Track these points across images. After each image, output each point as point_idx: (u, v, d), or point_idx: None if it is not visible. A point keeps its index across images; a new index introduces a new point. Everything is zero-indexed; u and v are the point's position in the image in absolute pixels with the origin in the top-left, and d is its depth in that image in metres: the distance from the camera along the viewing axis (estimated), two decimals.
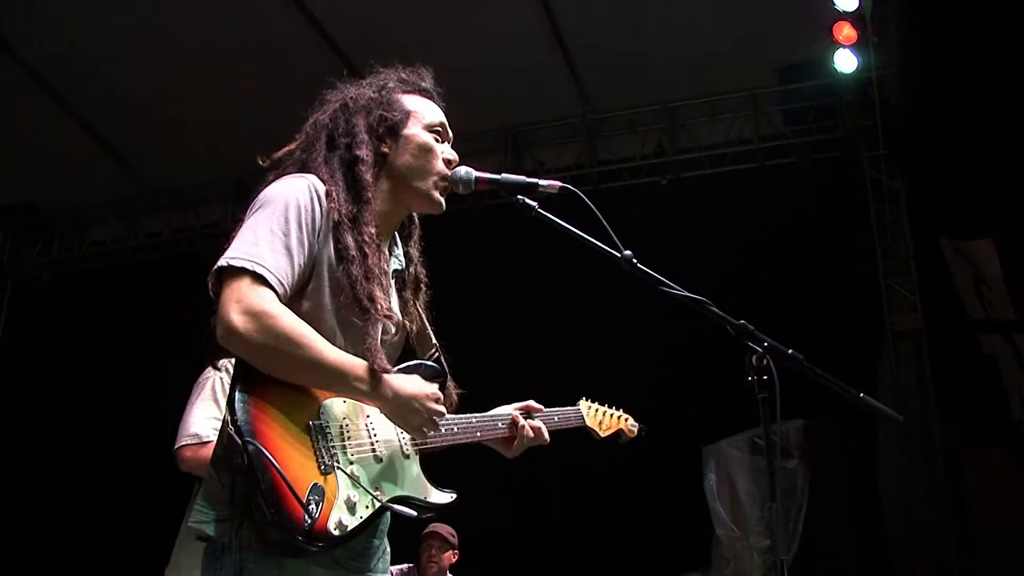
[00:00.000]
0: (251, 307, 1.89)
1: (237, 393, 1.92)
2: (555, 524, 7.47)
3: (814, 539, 6.80)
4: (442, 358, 2.31)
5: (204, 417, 3.33)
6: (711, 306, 2.15)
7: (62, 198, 9.13)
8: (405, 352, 2.33)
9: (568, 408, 2.71)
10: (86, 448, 8.37)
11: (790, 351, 2.10)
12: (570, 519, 7.47)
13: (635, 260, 2.20)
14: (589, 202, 2.23)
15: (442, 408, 2.13)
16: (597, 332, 7.53)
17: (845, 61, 6.85)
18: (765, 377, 2.04)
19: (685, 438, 7.21)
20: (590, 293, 6.62)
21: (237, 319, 1.88)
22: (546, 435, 2.46)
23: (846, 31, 6.71)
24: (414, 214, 2.40)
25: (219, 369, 3.30)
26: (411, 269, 2.35)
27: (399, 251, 2.33)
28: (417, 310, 2.33)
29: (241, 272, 1.93)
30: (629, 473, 7.19)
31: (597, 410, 2.81)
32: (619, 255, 2.19)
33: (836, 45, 6.80)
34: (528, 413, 2.45)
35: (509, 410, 2.44)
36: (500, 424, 2.39)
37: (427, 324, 2.34)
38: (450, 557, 5.77)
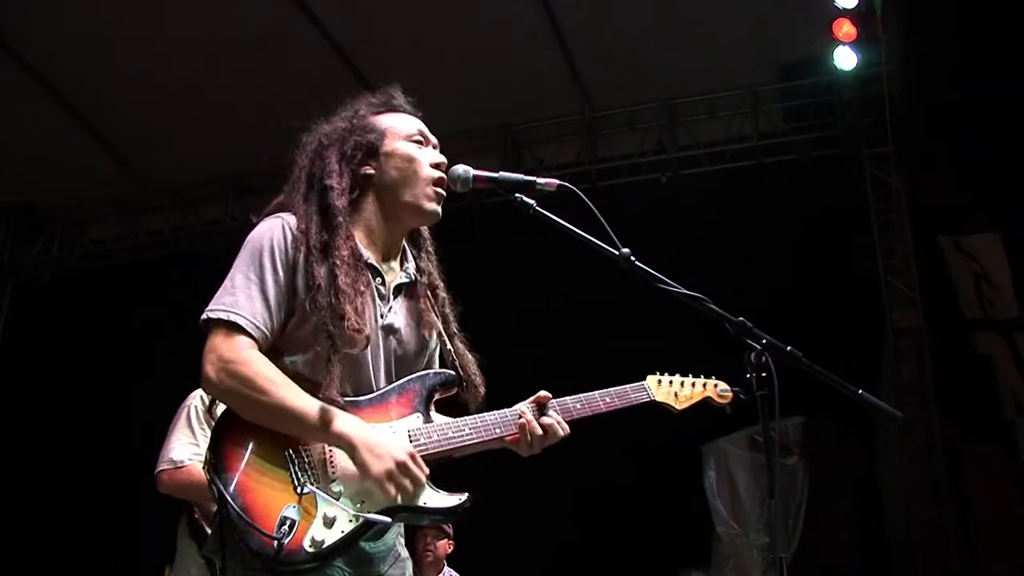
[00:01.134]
0: (222, 356, 2.05)
1: (217, 430, 2.07)
2: (555, 521, 7.47)
3: (814, 536, 6.80)
4: (458, 364, 2.33)
5: (181, 444, 3.57)
6: (709, 303, 2.15)
7: (62, 197, 9.12)
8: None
9: (627, 386, 2.48)
10: (86, 446, 8.37)
11: (789, 348, 2.10)
12: (570, 516, 7.47)
13: (633, 258, 2.20)
14: (587, 200, 2.23)
15: (414, 468, 2.07)
16: (596, 329, 7.53)
17: (845, 58, 6.84)
18: (764, 374, 2.05)
19: (685, 435, 7.22)
20: (588, 290, 6.62)
21: (209, 368, 2.05)
22: (560, 431, 2.27)
23: (846, 28, 6.70)
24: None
25: (203, 398, 3.50)
26: (424, 279, 2.36)
27: (410, 265, 2.35)
28: (433, 319, 2.33)
29: (217, 323, 2.08)
30: (629, 470, 7.20)
31: (671, 382, 2.57)
32: (617, 253, 2.20)
33: (836, 42, 6.79)
34: (541, 407, 2.29)
35: (520, 407, 2.29)
36: (503, 424, 2.25)
37: (444, 332, 2.35)
38: (445, 547, 5.67)
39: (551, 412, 2.29)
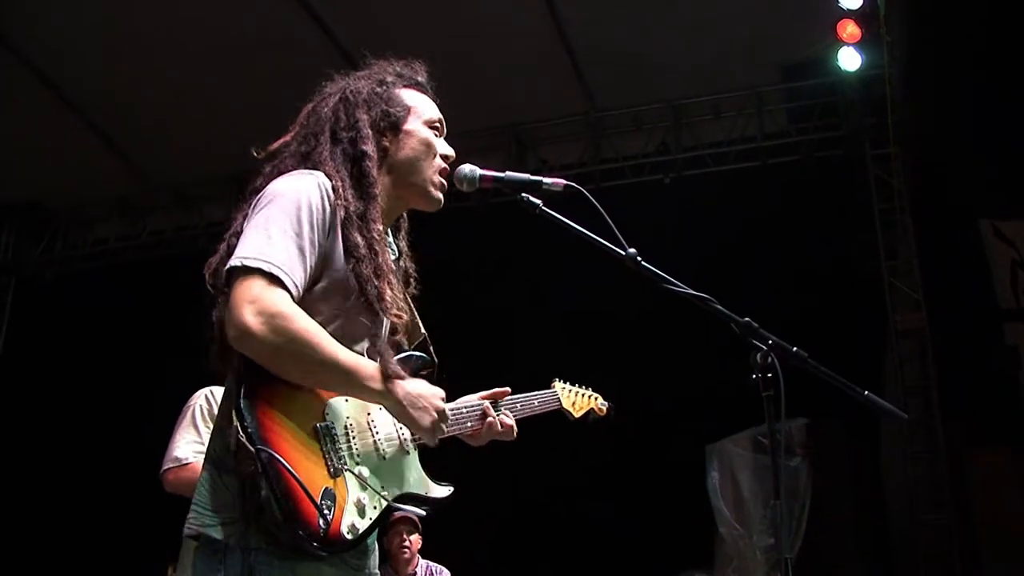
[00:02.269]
0: (265, 308, 1.86)
1: (242, 399, 1.89)
2: (558, 521, 7.47)
3: (817, 537, 6.80)
4: (431, 348, 2.30)
5: (186, 442, 3.54)
6: (715, 304, 2.14)
7: (66, 196, 9.14)
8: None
9: (545, 391, 2.66)
10: (90, 446, 8.38)
11: (794, 349, 2.09)
12: (573, 516, 7.47)
13: (639, 258, 2.19)
14: (593, 200, 2.22)
15: (447, 410, 2.11)
16: (600, 329, 7.53)
17: (849, 59, 6.84)
18: (769, 375, 2.03)
19: (688, 436, 7.22)
20: (593, 290, 6.62)
21: (251, 320, 1.84)
22: (515, 432, 2.41)
23: (850, 29, 6.70)
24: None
25: (208, 398, 3.54)
26: (401, 263, 2.34)
27: (392, 244, 2.32)
28: (407, 302, 2.32)
29: (255, 272, 1.89)
30: (632, 470, 7.20)
31: (570, 391, 2.77)
32: (623, 253, 2.19)
33: (840, 43, 6.79)
34: (495, 401, 2.39)
35: (476, 400, 2.37)
36: (472, 417, 2.34)
37: (416, 315, 2.33)
38: (417, 541, 5.58)
39: (505, 411, 2.40)
